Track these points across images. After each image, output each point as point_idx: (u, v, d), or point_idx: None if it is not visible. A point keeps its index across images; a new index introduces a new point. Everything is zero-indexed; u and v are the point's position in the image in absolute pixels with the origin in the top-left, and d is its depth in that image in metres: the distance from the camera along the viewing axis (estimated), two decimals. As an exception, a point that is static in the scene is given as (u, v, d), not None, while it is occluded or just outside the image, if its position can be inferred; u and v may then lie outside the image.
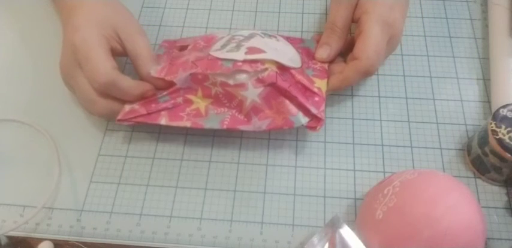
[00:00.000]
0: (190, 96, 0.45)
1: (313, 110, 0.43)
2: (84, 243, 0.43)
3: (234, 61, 0.43)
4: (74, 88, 0.45)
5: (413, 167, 0.46)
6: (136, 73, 0.46)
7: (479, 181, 0.45)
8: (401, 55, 0.53)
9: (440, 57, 0.53)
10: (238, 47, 0.44)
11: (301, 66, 0.46)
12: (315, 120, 0.43)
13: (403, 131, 0.48)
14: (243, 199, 0.45)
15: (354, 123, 0.49)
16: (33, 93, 0.51)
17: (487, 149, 0.42)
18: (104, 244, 0.43)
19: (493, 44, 0.51)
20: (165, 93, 0.44)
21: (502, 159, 0.41)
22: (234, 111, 0.44)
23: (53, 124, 0.49)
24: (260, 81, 0.43)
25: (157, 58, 0.47)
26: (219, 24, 0.56)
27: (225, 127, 0.44)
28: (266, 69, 0.43)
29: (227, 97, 0.44)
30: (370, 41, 0.44)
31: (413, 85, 0.51)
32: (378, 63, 0.45)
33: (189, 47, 0.48)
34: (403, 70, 0.52)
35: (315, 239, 0.39)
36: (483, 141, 0.42)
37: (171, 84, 0.44)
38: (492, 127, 0.41)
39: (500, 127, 0.41)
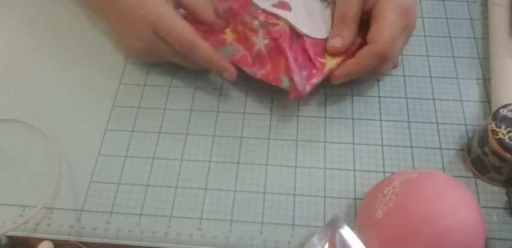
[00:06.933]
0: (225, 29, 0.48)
1: (297, 78, 0.44)
2: (84, 243, 0.43)
3: (257, 7, 0.46)
4: (162, 58, 0.49)
5: (413, 167, 0.46)
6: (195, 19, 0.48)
7: (479, 181, 0.45)
8: (402, 55, 0.53)
9: (440, 57, 0.53)
10: None
11: (325, 38, 0.46)
12: (295, 88, 0.44)
13: (403, 131, 0.48)
14: (243, 199, 0.45)
15: (354, 123, 0.49)
16: (33, 93, 0.51)
17: (487, 149, 0.42)
18: (104, 244, 0.43)
19: (493, 44, 0.51)
20: (227, 45, 0.48)
21: (502, 159, 0.41)
22: (247, 52, 0.47)
23: (53, 124, 0.49)
24: (268, 32, 0.45)
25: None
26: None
27: (234, 61, 0.46)
28: (277, 24, 0.45)
29: (245, 38, 0.47)
30: (386, 24, 0.43)
31: (413, 85, 0.51)
32: (393, 48, 0.44)
33: None
34: (403, 70, 0.52)
35: (315, 239, 0.39)
36: (483, 141, 0.42)
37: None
38: (492, 127, 0.41)
39: (500, 127, 0.41)
